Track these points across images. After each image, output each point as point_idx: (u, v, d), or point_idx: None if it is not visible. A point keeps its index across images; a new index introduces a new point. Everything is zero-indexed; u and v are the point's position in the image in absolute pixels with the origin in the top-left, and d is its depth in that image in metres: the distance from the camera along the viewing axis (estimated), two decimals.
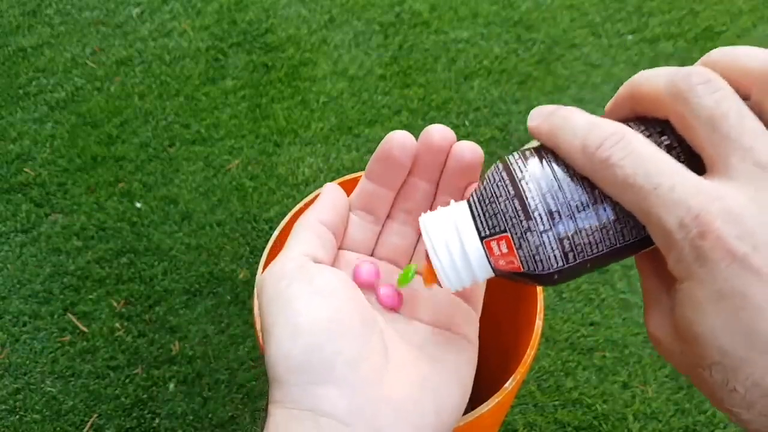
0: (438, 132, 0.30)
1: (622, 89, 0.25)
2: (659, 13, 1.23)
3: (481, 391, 0.65)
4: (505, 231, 0.24)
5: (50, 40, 1.18)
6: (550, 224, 0.23)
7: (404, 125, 1.05)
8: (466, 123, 1.06)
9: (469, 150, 0.30)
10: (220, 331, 0.84)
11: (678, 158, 0.22)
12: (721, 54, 0.23)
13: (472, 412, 0.37)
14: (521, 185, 0.24)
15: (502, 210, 0.25)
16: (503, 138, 1.04)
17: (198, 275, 0.89)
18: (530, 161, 0.25)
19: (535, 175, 0.24)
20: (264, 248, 0.46)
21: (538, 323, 0.41)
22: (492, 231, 0.25)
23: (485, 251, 0.25)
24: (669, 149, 0.23)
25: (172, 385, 0.80)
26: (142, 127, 1.05)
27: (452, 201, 0.27)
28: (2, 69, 1.14)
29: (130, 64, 1.15)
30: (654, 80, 0.23)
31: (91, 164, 1.01)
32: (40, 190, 0.97)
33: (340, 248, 0.31)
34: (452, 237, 0.26)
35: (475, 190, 0.27)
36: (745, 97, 0.22)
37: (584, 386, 0.80)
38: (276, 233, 0.46)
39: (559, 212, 0.24)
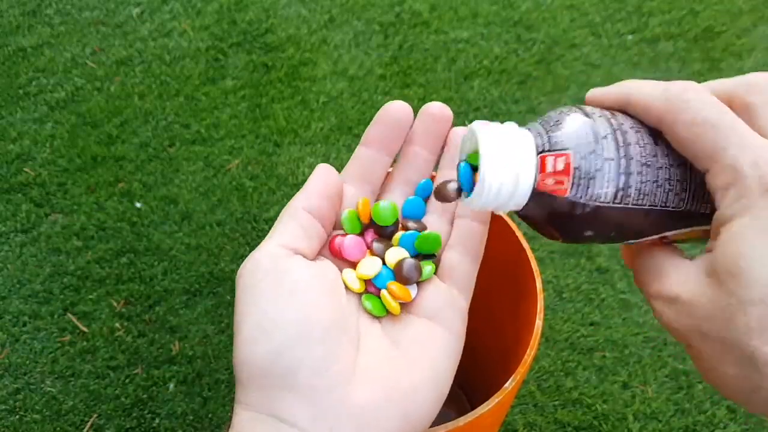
0: (436, 105, 0.32)
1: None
2: (659, 13, 1.23)
3: (481, 391, 0.65)
4: (567, 149, 0.24)
5: (50, 40, 1.18)
6: (615, 155, 0.24)
7: None
8: (466, 123, 1.06)
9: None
10: (220, 331, 0.84)
11: None
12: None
13: (472, 412, 0.37)
14: (594, 117, 0.24)
15: (569, 131, 0.24)
16: None
17: (198, 275, 0.89)
18: (595, 110, 0.25)
19: (605, 117, 0.25)
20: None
21: (538, 323, 0.41)
22: (552, 147, 0.24)
23: (536, 169, 0.24)
24: None
25: (172, 385, 0.80)
26: (142, 127, 1.05)
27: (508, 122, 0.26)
28: (2, 69, 1.14)
29: (130, 64, 1.15)
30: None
31: (91, 164, 1.01)
32: (40, 190, 0.97)
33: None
34: (509, 146, 0.24)
35: (537, 120, 0.26)
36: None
37: (584, 386, 0.80)
38: None
39: (624, 149, 0.24)
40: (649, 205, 0.24)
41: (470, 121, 1.17)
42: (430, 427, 0.36)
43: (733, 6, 1.24)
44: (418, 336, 0.28)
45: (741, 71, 1.14)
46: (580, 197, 0.24)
